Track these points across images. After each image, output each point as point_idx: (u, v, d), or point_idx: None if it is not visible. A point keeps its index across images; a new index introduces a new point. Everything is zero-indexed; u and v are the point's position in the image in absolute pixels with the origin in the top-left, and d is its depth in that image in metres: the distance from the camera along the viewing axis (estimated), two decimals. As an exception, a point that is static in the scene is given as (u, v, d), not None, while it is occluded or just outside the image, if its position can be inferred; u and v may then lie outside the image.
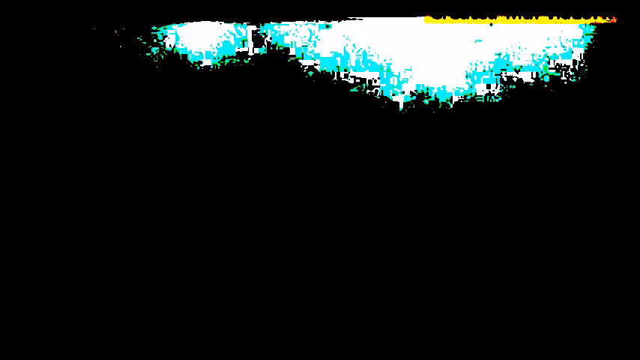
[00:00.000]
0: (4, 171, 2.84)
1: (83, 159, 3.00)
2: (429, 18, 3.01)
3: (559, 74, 3.07)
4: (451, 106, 3.11)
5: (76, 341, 1.98)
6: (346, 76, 3.04)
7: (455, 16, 2.98)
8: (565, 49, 3.18)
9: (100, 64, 3.00)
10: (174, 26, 2.93)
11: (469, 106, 3.11)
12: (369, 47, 3.12)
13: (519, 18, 3.00)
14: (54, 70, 3.02)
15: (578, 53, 3.15)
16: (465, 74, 3.10)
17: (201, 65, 3.08)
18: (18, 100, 2.99)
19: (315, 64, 2.95)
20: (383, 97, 3.13)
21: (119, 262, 2.50)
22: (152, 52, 3.10)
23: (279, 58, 2.99)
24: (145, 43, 3.06)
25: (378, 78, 3.07)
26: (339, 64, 2.98)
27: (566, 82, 3.08)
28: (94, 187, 2.91)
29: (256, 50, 3.07)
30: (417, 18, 2.97)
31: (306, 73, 2.94)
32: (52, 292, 2.33)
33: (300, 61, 2.95)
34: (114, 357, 1.93)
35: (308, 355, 1.91)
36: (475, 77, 3.09)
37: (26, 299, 2.26)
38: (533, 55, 3.14)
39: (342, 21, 2.87)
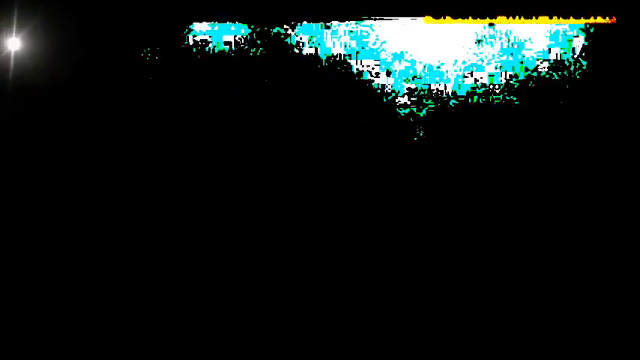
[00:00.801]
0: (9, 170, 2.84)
1: (86, 159, 2.99)
2: (429, 18, 3.00)
3: (559, 74, 3.07)
4: (451, 106, 3.12)
5: (76, 340, 1.98)
6: (344, 77, 3.04)
7: (455, 16, 2.97)
8: (565, 49, 3.18)
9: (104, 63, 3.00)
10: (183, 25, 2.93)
11: (469, 106, 3.11)
12: (368, 48, 3.11)
13: (519, 18, 3.00)
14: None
15: (578, 53, 3.14)
16: (465, 74, 3.10)
17: (207, 66, 3.08)
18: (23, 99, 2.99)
19: (312, 66, 2.94)
20: (382, 98, 3.13)
21: (120, 261, 2.49)
22: (156, 52, 3.10)
23: (276, 60, 2.99)
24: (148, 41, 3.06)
25: (377, 79, 3.07)
26: (336, 65, 2.98)
27: (566, 82, 3.08)
28: (97, 187, 2.90)
29: (257, 51, 3.06)
30: (417, 18, 2.97)
31: (303, 75, 2.93)
32: (54, 291, 2.32)
33: (297, 62, 2.94)
34: (114, 357, 1.93)
35: (304, 354, 1.91)
36: (475, 77, 3.09)
37: (27, 298, 2.26)
38: (533, 55, 3.13)
39: (340, 22, 2.87)
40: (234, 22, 2.97)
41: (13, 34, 2.88)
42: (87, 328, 2.20)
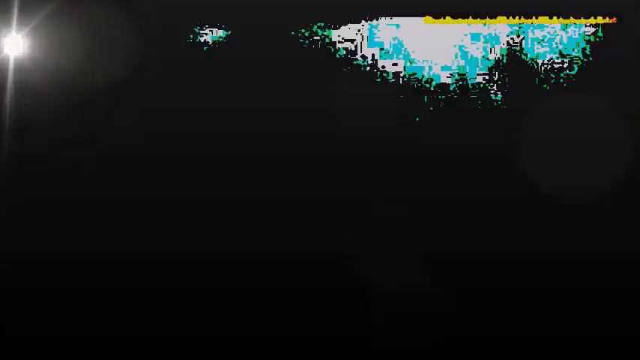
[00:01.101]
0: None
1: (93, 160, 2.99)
2: (429, 18, 3.00)
3: (559, 74, 3.07)
4: (450, 106, 3.12)
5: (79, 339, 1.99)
6: (345, 77, 3.04)
7: (455, 16, 2.97)
8: (565, 50, 3.18)
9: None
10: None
11: (469, 106, 3.11)
12: (368, 48, 3.11)
13: (519, 18, 3.00)
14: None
15: (578, 53, 3.14)
16: (465, 74, 3.10)
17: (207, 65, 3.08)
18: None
19: (312, 66, 2.94)
20: (381, 98, 3.13)
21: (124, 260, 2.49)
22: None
23: (275, 61, 2.99)
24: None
25: (377, 79, 3.07)
26: (337, 65, 2.98)
27: (567, 82, 3.08)
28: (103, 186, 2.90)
29: (252, 53, 3.06)
30: (417, 18, 2.97)
31: (303, 75, 2.94)
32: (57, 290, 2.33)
33: (297, 63, 2.94)
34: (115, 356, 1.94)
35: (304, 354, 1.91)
36: (475, 77, 3.09)
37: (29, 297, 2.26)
38: (533, 55, 3.14)
39: (341, 21, 2.87)
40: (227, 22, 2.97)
41: (13, 33, 2.87)
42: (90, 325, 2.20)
